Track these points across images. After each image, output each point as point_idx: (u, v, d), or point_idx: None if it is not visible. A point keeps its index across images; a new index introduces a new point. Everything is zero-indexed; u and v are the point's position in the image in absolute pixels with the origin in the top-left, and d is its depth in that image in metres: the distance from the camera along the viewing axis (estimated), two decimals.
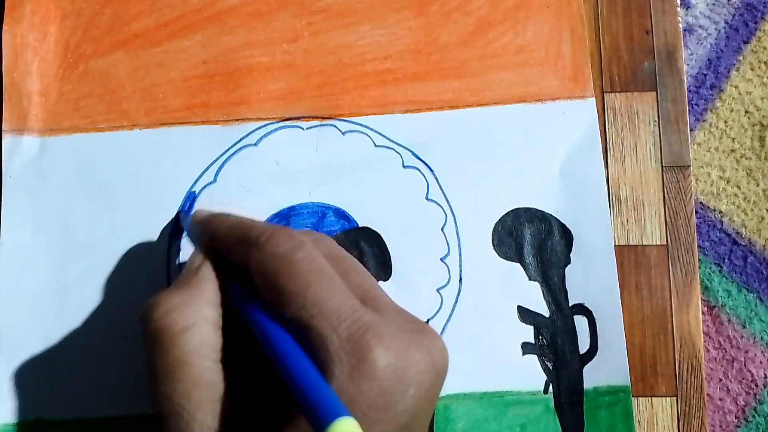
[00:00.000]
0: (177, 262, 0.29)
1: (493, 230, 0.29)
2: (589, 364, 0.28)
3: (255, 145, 0.30)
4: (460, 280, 0.28)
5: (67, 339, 0.28)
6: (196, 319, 0.21)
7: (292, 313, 0.20)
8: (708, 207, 0.31)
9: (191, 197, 0.29)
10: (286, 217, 0.29)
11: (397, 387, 0.19)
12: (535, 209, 0.29)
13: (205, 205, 0.29)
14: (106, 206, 0.29)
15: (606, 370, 0.28)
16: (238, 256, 0.22)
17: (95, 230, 0.29)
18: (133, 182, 0.30)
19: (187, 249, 0.29)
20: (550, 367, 0.28)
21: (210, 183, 0.29)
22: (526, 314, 0.28)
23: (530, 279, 0.28)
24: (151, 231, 0.29)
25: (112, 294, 0.29)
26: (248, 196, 0.29)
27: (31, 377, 0.28)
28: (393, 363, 0.19)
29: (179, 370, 0.20)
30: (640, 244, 0.29)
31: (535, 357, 0.28)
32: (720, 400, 0.29)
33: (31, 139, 0.30)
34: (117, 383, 0.28)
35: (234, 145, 0.30)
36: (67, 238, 0.29)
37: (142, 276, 0.29)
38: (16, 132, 0.30)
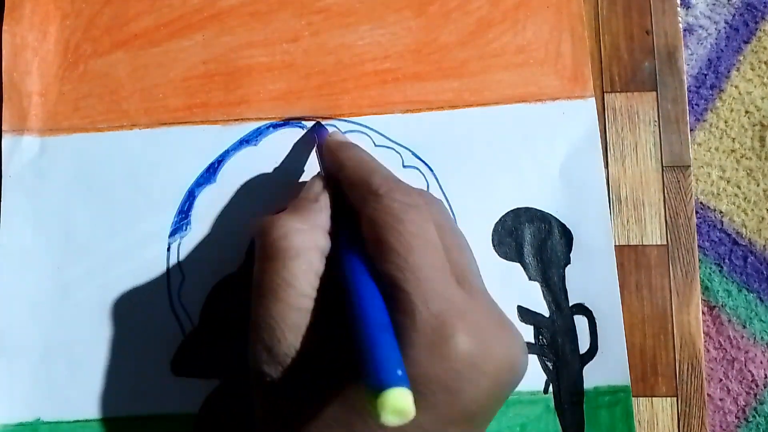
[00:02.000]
0: (177, 263, 0.29)
1: (493, 230, 0.29)
2: (589, 364, 0.28)
3: (255, 144, 0.30)
4: None
5: (66, 339, 0.28)
6: (310, 247, 0.22)
7: (388, 270, 0.20)
8: (708, 207, 0.31)
9: (191, 197, 0.29)
10: None
11: (472, 375, 0.19)
12: (535, 209, 0.29)
13: (204, 205, 0.29)
14: (105, 206, 0.29)
15: (606, 370, 0.28)
16: (354, 196, 0.23)
17: (95, 230, 0.29)
18: (132, 182, 0.30)
19: (187, 247, 0.29)
20: (550, 367, 0.28)
21: (210, 183, 0.29)
22: (526, 314, 0.28)
23: (530, 279, 0.28)
24: (150, 231, 0.29)
25: (112, 294, 0.29)
26: (248, 196, 0.29)
27: (31, 377, 0.28)
28: (473, 351, 0.19)
29: (284, 291, 0.21)
30: (641, 244, 0.29)
31: (535, 357, 0.28)
32: (720, 400, 0.29)
33: (30, 139, 0.30)
34: (117, 383, 0.28)
35: (234, 144, 0.30)
36: (67, 238, 0.29)
37: (142, 276, 0.29)
38: (15, 132, 0.30)
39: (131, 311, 0.28)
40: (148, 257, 0.29)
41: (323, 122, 0.30)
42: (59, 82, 0.30)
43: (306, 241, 0.22)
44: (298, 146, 0.29)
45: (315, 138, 0.29)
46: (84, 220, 0.29)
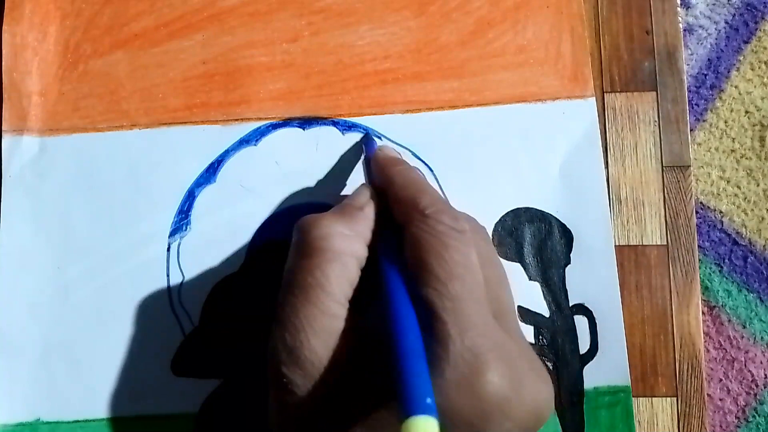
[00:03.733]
0: (177, 263, 0.29)
1: (493, 230, 0.29)
2: (589, 364, 0.28)
3: (255, 144, 0.30)
4: None
5: (66, 339, 0.28)
6: (349, 253, 0.21)
7: (428, 294, 0.19)
8: (708, 207, 0.31)
9: (191, 197, 0.29)
10: (286, 216, 0.29)
11: (497, 416, 0.18)
12: (535, 209, 0.29)
13: (204, 205, 0.29)
14: (105, 206, 0.29)
15: (606, 370, 0.28)
16: (400, 213, 0.22)
17: (94, 230, 0.29)
18: (132, 182, 0.29)
19: (187, 247, 0.29)
20: (551, 367, 0.28)
21: (209, 183, 0.29)
22: (526, 314, 0.28)
23: (530, 279, 0.28)
24: (150, 231, 0.29)
25: (112, 294, 0.29)
26: (248, 196, 0.29)
27: (31, 377, 0.28)
28: (503, 392, 0.18)
29: (315, 292, 0.20)
30: (641, 244, 0.29)
31: None
32: (720, 400, 0.29)
33: (30, 139, 0.30)
34: (117, 383, 0.28)
35: (234, 144, 0.30)
36: (67, 238, 0.29)
37: (142, 276, 0.29)
38: (15, 132, 0.30)
39: (131, 311, 0.28)
40: (148, 257, 0.29)
41: (323, 121, 0.30)
42: (59, 82, 0.30)
43: (346, 247, 0.21)
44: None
45: (363, 149, 0.29)
46: (84, 220, 0.29)
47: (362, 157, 0.28)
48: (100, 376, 0.28)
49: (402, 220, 0.22)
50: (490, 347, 0.19)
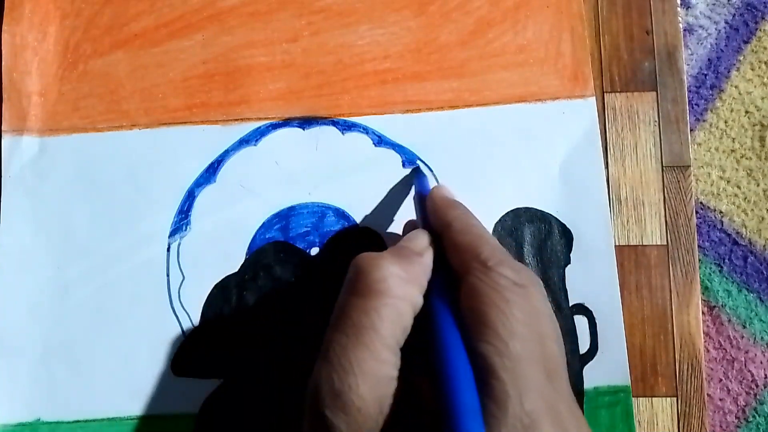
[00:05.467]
0: (177, 263, 0.29)
1: (493, 230, 0.29)
2: (589, 364, 0.28)
3: (255, 144, 0.30)
4: None
5: (66, 339, 0.28)
6: (406, 299, 0.21)
7: (486, 350, 0.19)
8: (708, 207, 0.31)
9: (191, 197, 0.29)
10: (285, 217, 0.29)
11: None
12: (535, 209, 0.29)
13: (204, 205, 0.29)
14: (105, 206, 0.29)
15: (606, 370, 0.27)
16: (458, 260, 0.21)
17: (94, 230, 0.29)
18: (132, 182, 0.29)
19: (187, 247, 0.29)
20: None
21: (209, 183, 0.29)
22: None
23: None
24: (150, 231, 0.29)
25: (112, 294, 0.29)
26: (248, 196, 0.29)
27: (31, 377, 0.28)
28: None
29: (368, 336, 0.20)
30: (640, 244, 0.29)
31: None
32: (720, 400, 0.29)
33: (30, 139, 0.30)
34: (117, 383, 0.28)
35: (234, 144, 0.30)
36: (67, 238, 0.29)
37: (142, 276, 0.29)
38: (15, 132, 0.30)
39: (131, 311, 0.28)
40: (148, 257, 0.29)
41: (323, 121, 0.30)
42: (59, 82, 0.30)
43: (404, 292, 0.20)
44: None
45: (413, 183, 0.28)
46: (84, 220, 0.29)
47: (413, 191, 0.28)
48: (100, 376, 0.28)
49: (460, 268, 0.21)
50: (546, 411, 0.18)
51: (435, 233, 0.23)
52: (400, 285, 0.21)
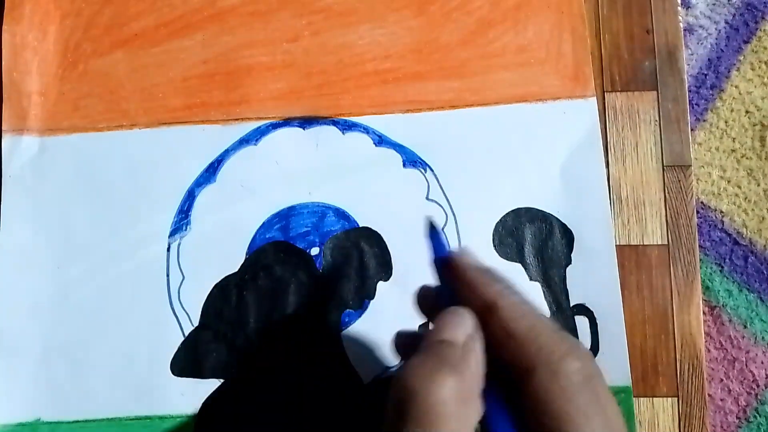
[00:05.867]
0: (177, 263, 0.29)
1: (494, 230, 0.29)
2: None
3: (255, 144, 0.30)
4: None
5: (66, 339, 0.28)
6: (467, 418, 0.18)
7: None
8: (709, 207, 0.31)
9: (191, 197, 0.29)
10: (286, 216, 0.29)
11: None
12: (536, 209, 0.29)
13: (204, 205, 0.29)
14: (105, 206, 0.29)
15: (607, 371, 0.27)
16: (516, 354, 0.18)
17: (94, 230, 0.29)
18: (132, 182, 0.29)
19: (187, 246, 0.29)
20: None
21: (210, 182, 0.29)
22: None
23: (531, 279, 0.28)
24: (150, 231, 0.29)
25: (112, 294, 0.29)
26: (248, 195, 0.29)
27: (31, 377, 0.28)
28: None
29: None
30: (641, 243, 0.29)
31: None
32: (721, 400, 0.29)
33: (30, 139, 0.30)
34: (117, 383, 0.28)
35: (234, 144, 0.30)
36: (67, 238, 0.29)
37: (142, 276, 0.29)
38: (15, 132, 0.30)
39: (131, 311, 0.28)
40: (148, 257, 0.29)
41: (324, 121, 0.30)
42: (59, 82, 0.30)
43: (464, 415, 0.18)
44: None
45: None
46: (84, 220, 0.29)
47: (430, 256, 0.22)
48: (100, 376, 0.28)
49: (520, 361, 0.18)
50: None
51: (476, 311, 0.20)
52: (461, 405, 0.18)
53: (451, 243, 0.28)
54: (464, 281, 0.20)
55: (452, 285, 0.21)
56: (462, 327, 0.19)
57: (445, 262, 0.21)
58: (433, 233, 0.23)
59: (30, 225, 0.29)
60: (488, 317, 0.19)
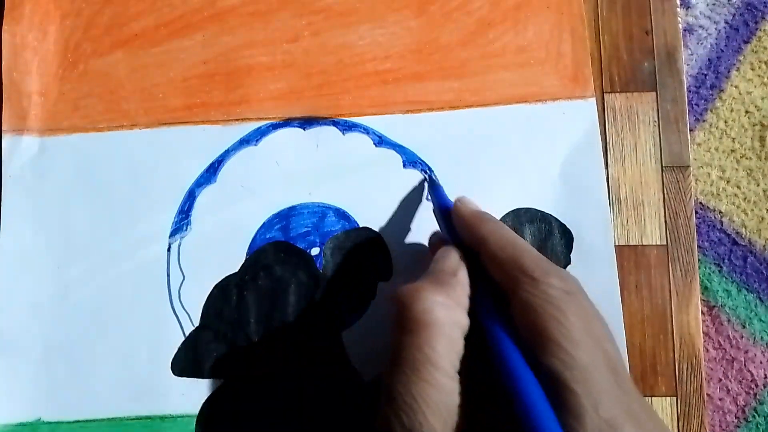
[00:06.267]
0: (177, 263, 0.29)
1: None
2: None
3: (255, 144, 0.30)
4: None
5: (66, 339, 0.28)
6: (453, 323, 0.21)
7: (553, 365, 0.19)
8: (708, 207, 0.31)
9: (191, 197, 0.29)
10: (286, 217, 0.29)
11: None
12: (536, 210, 0.29)
13: (204, 205, 0.29)
14: (105, 206, 0.29)
15: None
16: (502, 276, 0.21)
17: (94, 230, 0.29)
18: (132, 182, 0.30)
19: (187, 247, 0.29)
20: None
21: (210, 183, 0.29)
22: None
23: None
24: (150, 231, 0.29)
25: (112, 294, 0.29)
26: (248, 196, 0.29)
27: (31, 377, 0.28)
28: None
29: (426, 369, 0.20)
30: (640, 244, 0.29)
31: None
32: (720, 400, 0.29)
33: (30, 139, 0.30)
34: (117, 384, 0.28)
35: (234, 144, 0.30)
36: (67, 238, 0.29)
37: (142, 276, 0.29)
38: (15, 132, 0.30)
39: (131, 311, 0.28)
40: (148, 257, 0.29)
41: (324, 121, 0.30)
42: (59, 82, 0.30)
43: (449, 317, 0.21)
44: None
45: (423, 195, 0.28)
46: (84, 220, 0.29)
47: (432, 207, 0.27)
48: (101, 376, 0.28)
49: (506, 284, 0.21)
50: (623, 416, 0.18)
51: (466, 248, 0.23)
52: (445, 312, 0.21)
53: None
54: (462, 224, 0.24)
55: (453, 228, 0.24)
56: (450, 259, 0.23)
57: (445, 210, 0.25)
58: (434, 187, 0.27)
59: (30, 225, 0.29)
60: (481, 249, 0.22)
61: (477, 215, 0.24)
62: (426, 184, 0.28)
